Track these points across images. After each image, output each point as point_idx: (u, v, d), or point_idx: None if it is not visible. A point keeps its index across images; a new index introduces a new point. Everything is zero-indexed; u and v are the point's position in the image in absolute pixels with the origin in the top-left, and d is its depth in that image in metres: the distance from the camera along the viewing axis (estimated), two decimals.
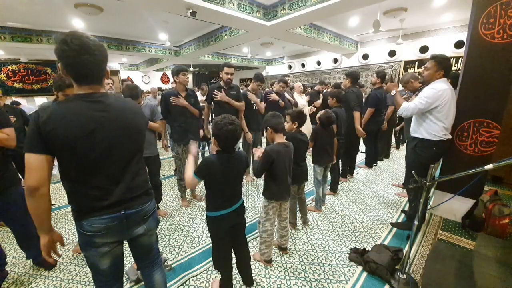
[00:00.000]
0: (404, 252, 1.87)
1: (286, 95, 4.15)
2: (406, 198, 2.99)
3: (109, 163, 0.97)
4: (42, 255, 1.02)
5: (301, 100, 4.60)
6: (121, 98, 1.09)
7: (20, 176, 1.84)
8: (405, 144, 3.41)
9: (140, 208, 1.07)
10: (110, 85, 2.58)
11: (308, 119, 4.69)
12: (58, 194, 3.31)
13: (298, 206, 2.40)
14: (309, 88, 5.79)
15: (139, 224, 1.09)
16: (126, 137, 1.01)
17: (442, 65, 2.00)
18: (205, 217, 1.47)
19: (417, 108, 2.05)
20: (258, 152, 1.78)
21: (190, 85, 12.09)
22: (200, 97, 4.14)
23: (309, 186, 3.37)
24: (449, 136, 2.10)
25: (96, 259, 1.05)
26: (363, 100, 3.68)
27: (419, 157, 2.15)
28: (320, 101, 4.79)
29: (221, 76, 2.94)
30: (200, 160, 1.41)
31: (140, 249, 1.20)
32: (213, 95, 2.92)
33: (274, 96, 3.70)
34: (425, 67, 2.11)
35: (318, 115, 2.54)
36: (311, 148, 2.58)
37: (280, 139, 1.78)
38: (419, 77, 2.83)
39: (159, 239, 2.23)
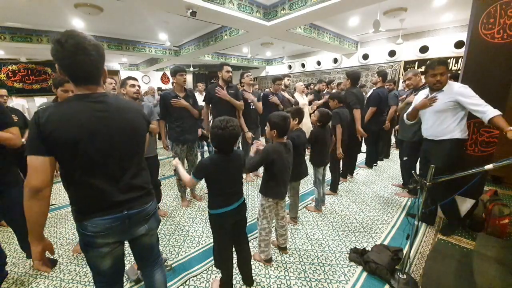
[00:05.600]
0: (404, 252, 1.87)
1: (286, 94, 4.15)
2: (406, 198, 2.99)
3: (110, 163, 0.97)
4: (34, 266, 0.96)
5: (302, 100, 4.59)
6: (121, 98, 1.08)
7: (22, 176, 1.84)
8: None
9: (142, 208, 1.07)
10: (113, 85, 2.53)
11: (309, 119, 4.70)
12: (58, 194, 3.32)
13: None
14: (306, 88, 5.74)
15: (141, 224, 1.09)
16: (127, 138, 1.01)
17: (448, 67, 2.05)
18: (207, 214, 1.48)
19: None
20: (258, 144, 1.74)
21: (190, 85, 12.12)
22: (199, 97, 4.13)
23: (309, 186, 3.37)
24: None
25: (97, 260, 1.05)
26: (364, 100, 3.67)
27: (452, 159, 2.06)
28: (321, 102, 4.77)
29: (220, 75, 2.98)
30: (199, 160, 1.43)
31: (141, 249, 1.20)
32: (216, 93, 2.95)
33: (274, 99, 3.69)
34: (440, 73, 2.03)
35: (314, 117, 2.52)
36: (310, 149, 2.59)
37: (281, 139, 1.78)
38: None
39: (159, 239, 2.24)
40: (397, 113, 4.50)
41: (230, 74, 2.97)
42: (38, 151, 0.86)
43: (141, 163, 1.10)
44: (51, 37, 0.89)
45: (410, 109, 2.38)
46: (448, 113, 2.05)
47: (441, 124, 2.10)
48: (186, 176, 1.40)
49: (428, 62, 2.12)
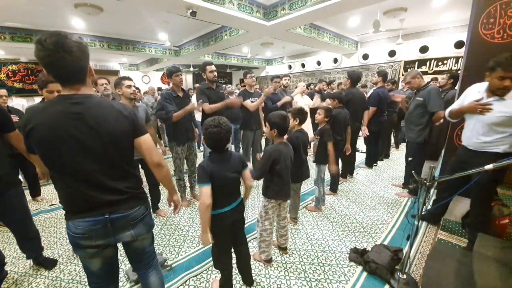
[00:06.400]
0: (404, 252, 1.87)
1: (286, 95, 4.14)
2: (406, 198, 2.99)
3: (85, 166, 0.94)
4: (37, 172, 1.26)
5: (303, 100, 4.58)
6: (106, 101, 1.04)
7: (22, 177, 1.83)
8: (405, 144, 3.38)
9: (127, 213, 1.04)
10: (105, 85, 2.41)
11: (309, 119, 4.70)
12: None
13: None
14: (306, 88, 5.73)
15: (127, 229, 1.06)
16: (104, 142, 0.95)
17: None
18: None
19: None
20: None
21: (190, 85, 12.13)
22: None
23: (309, 186, 3.37)
24: None
25: (86, 260, 1.06)
26: (364, 100, 3.67)
27: (496, 175, 1.76)
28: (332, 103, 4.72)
29: (205, 76, 2.88)
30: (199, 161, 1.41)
31: (133, 253, 1.19)
32: (211, 95, 2.89)
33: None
34: (508, 76, 1.59)
35: (319, 115, 2.51)
36: (311, 148, 2.59)
37: (281, 138, 1.79)
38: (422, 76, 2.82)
39: (159, 239, 2.24)
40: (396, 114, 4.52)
41: (215, 73, 2.86)
42: (28, 149, 0.98)
43: (125, 167, 1.05)
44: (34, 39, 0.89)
45: (455, 107, 1.98)
46: (500, 128, 1.68)
47: (488, 137, 1.75)
48: (200, 200, 1.30)
49: (501, 57, 1.57)
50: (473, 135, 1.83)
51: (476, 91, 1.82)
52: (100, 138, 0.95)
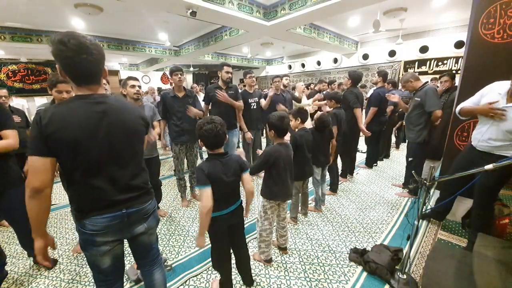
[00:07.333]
0: (404, 252, 1.87)
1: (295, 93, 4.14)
2: (406, 198, 2.99)
3: (109, 164, 0.98)
4: (37, 260, 1.02)
5: (304, 100, 4.58)
6: (120, 99, 1.10)
7: (24, 176, 1.85)
8: (405, 144, 3.39)
9: (141, 207, 1.09)
10: (103, 85, 2.45)
11: (309, 119, 4.69)
12: (58, 194, 3.32)
13: (300, 199, 2.45)
14: (306, 88, 5.73)
15: (140, 223, 1.11)
16: (126, 139, 1.02)
17: None
18: None
19: None
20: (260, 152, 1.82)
21: (190, 84, 12.13)
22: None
23: (309, 186, 3.36)
24: None
25: (97, 258, 1.06)
26: (364, 100, 3.67)
27: (503, 178, 1.76)
28: (323, 102, 4.72)
29: (220, 75, 2.96)
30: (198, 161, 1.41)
31: (140, 248, 1.21)
32: (216, 95, 2.90)
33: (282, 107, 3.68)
34: None
35: (314, 118, 2.52)
36: None
37: (281, 139, 1.79)
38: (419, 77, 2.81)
39: (159, 239, 2.23)
40: (397, 113, 4.52)
41: (230, 75, 2.93)
42: (39, 151, 0.88)
43: (140, 163, 1.12)
44: (50, 38, 0.88)
45: (468, 105, 1.89)
46: None
47: (499, 142, 1.70)
48: (201, 205, 1.27)
49: None
50: (484, 138, 1.79)
51: (497, 92, 1.69)
52: (126, 135, 1.01)
